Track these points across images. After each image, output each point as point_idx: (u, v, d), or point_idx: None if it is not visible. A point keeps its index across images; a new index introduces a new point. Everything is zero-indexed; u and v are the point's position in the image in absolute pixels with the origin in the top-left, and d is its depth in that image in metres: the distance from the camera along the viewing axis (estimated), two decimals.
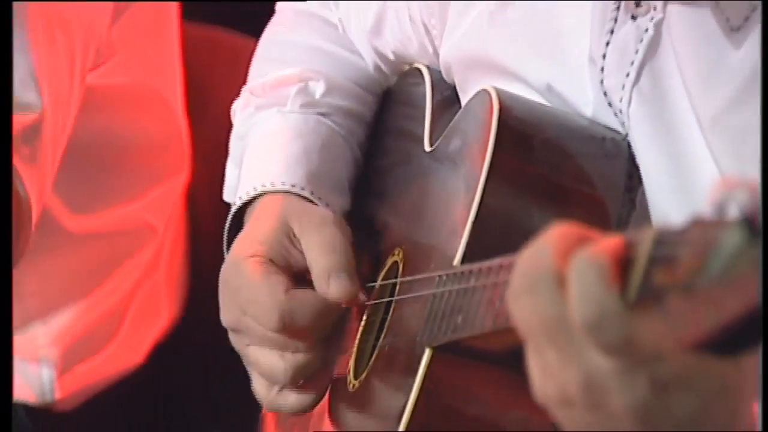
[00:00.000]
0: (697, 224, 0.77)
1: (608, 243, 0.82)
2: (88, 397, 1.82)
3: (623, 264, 0.81)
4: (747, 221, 0.73)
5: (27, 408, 1.76)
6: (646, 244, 0.80)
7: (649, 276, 0.79)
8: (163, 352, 1.74)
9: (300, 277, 1.33)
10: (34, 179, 1.61)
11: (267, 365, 1.34)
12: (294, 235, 1.35)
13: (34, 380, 1.78)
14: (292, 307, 1.29)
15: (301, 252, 1.34)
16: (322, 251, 1.33)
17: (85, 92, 1.74)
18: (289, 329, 1.29)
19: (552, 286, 0.82)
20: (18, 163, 1.60)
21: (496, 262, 1.00)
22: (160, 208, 1.84)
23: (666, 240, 0.80)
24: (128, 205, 1.83)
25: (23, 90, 1.61)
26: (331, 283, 1.30)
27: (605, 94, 1.20)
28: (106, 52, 1.78)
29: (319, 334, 1.33)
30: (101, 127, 1.79)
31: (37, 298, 1.77)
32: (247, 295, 1.34)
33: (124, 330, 1.81)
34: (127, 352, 1.81)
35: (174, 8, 1.90)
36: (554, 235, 0.85)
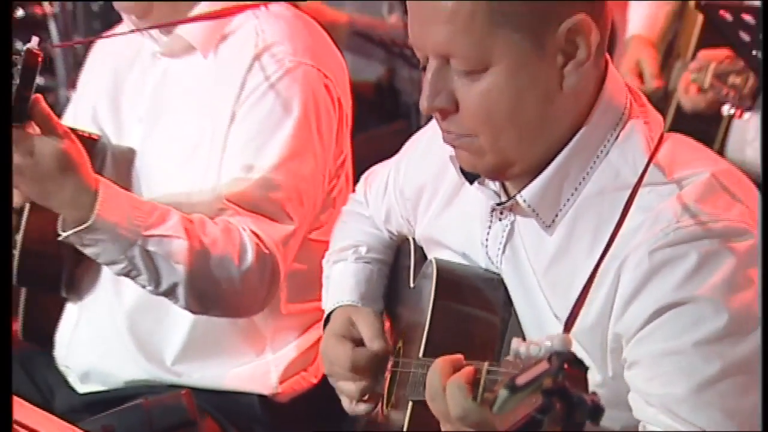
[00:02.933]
0: (507, 363, 1.21)
1: (466, 370, 1.32)
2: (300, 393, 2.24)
3: (474, 382, 1.30)
4: (512, 382, 1.08)
5: (260, 396, 2.18)
6: (483, 372, 1.28)
7: (485, 389, 1.27)
8: None
9: (359, 342, 1.85)
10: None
11: (346, 390, 1.86)
12: (353, 323, 1.87)
13: (267, 380, 2.19)
14: (356, 356, 1.83)
15: (359, 331, 1.86)
16: (369, 330, 1.85)
17: None
18: (355, 369, 1.82)
19: (440, 396, 1.33)
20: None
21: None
22: None
23: (492, 370, 1.27)
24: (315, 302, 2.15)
25: None
26: (374, 344, 1.83)
27: (489, 258, 1.66)
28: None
29: (371, 372, 1.84)
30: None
31: (267, 338, 2.19)
32: (333, 353, 1.87)
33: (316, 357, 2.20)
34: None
35: None
36: (441, 363, 1.35)
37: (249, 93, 2.04)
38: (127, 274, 1.95)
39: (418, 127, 3.06)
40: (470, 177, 1.62)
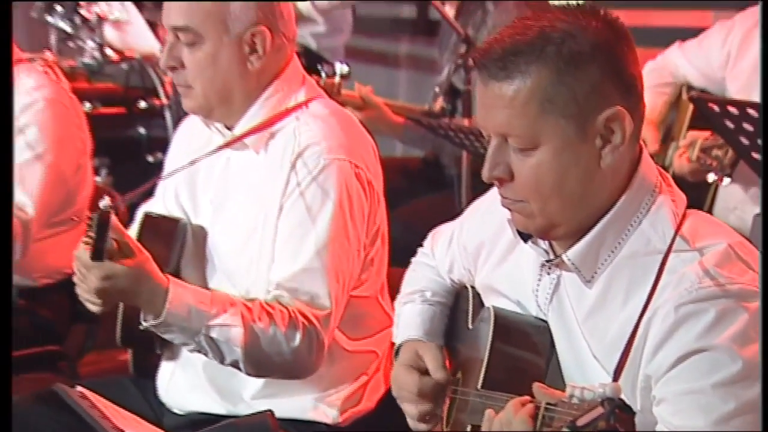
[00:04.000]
0: (563, 403, 1.26)
1: (529, 406, 1.38)
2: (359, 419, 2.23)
3: (535, 414, 1.36)
4: (573, 423, 1.12)
5: (327, 425, 2.18)
6: (542, 409, 1.34)
7: (543, 423, 1.34)
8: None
9: (424, 372, 1.84)
10: None
11: (412, 412, 1.85)
12: (420, 356, 1.86)
13: (329, 412, 2.17)
14: (422, 384, 1.82)
15: (424, 362, 1.84)
16: (433, 362, 1.84)
17: None
18: (420, 394, 1.82)
19: (508, 425, 1.39)
20: None
21: (494, 393, 1.60)
22: (384, 342, 2.23)
23: (550, 407, 1.33)
24: (371, 338, 2.24)
25: None
26: (438, 374, 1.82)
27: (538, 305, 1.66)
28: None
29: (434, 397, 1.83)
30: None
31: (327, 379, 2.16)
32: (403, 380, 1.86)
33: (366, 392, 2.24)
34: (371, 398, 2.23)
35: None
36: (515, 403, 1.41)
37: (292, 189, 2.05)
38: (197, 351, 2.00)
39: (460, 196, 3.16)
40: (524, 236, 1.63)
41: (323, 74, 3.03)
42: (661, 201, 1.56)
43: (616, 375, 1.48)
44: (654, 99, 3.08)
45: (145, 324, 1.93)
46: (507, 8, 3.36)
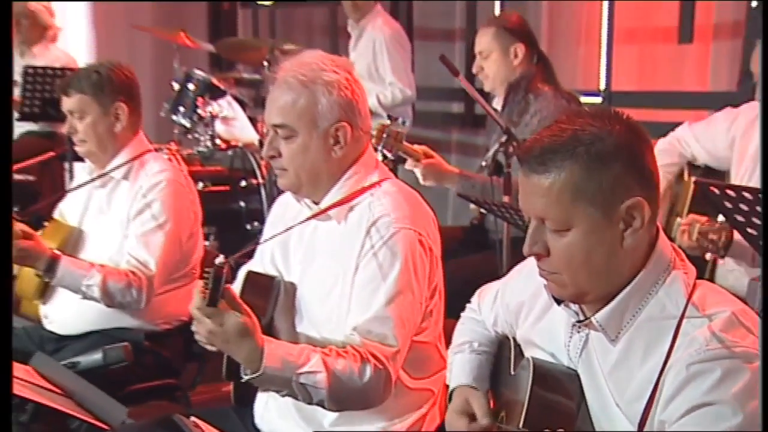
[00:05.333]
0: None
1: None
2: None
3: None
4: None
5: None
6: None
7: None
8: None
9: (472, 417, 1.81)
10: None
11: None
12: (469, 403, 1.83)
13: None
14: (470, 429, 1.79)
15: (473, 408, 1.82)
16: (480, 409, 1.82)
17: None
18: None
19: None
20: None
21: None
22: (440, 381, 2.16)
23: None
24: (429, 378, 2.18)
25: None
26: (484, 420, 1.79)
27: (570, 358, 1.63)
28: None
29: None
30: None
31: (392, 411, 2.11)
32: (455, 424, 1.83)
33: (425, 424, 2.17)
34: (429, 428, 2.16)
35: None
36: None
37: (366, 251, 2.04)
38: (289, 396, 1.98)
39: (501, 257, 3.12)
40: (557, 300, 1.61)
41: (389, 123, 3.01)
42: (675, 274, 1.53)
43: (642, 423, 1.45)
44: (661, 179, 3.04)
45: (245, 377, 1.92)
46: (546, 97, 3.33)
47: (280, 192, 2.33)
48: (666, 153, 2.98)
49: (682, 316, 1.48)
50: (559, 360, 1.66)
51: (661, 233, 1.56)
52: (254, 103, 5.20)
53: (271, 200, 4.39)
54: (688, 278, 1.54)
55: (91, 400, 1.61)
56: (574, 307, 1.60)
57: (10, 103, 1.58)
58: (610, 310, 1.53)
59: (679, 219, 2.92)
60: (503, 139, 2.98)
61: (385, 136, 2.97)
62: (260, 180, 4.66)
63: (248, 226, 4.74)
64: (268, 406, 2.19)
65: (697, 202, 2.92)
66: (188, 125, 4.66)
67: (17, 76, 4.96)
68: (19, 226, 2.66)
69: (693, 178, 2.94)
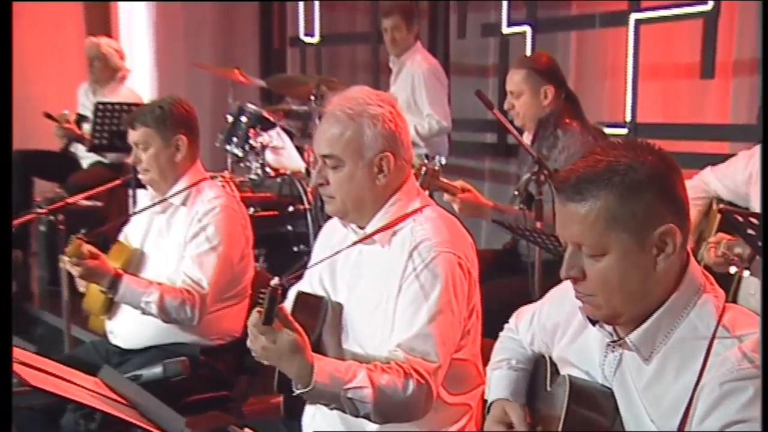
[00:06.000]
0: None
1: None
2: None
3: None
4: None
5: None
6: None
7: None
8: None
9: (510, 426, 1.81)
10: None
11: None
12: (506, 413, 1.82)
13: None
14: None
15: (510, 418, 1.81)
16: (518, 419, 1.81)
17: None
18: None
19: None
20: None
21: None
22: (476, 397, 2.14)
23: None
24: (467, 394, 2.16)
25: None
26: (521, 427, 1.78)
27: (604, 377, 1.60)
28: None
29: None
30: None
31: (432, 424, 2.07)
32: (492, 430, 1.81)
33: None
34: None
35: None
36: None
37: (409, 273, 2.03)
38: (336, 409, 1.96)
39: (533, 281, 3.09)
40: (592, 321, 1.59)
41: (427, 161, 3.02)
42: (706, 298, 1.51)
43: None
44: (690, 210, 3.01)
45: (297, 392, 1.91)
46: (574, 133, 3.31)
47: (325, 216, 2.33)
48: (692, 189, 2.95)
49: (713, 337, 1.45)
50: (594, 378, 1.63)
51: (692, 258, 1.54)
52: (301, 134, 5.23)
53: (317, 224, 4.47)
54: (718, 301, 1.51)
55: (153, 411, 1.60)
56: (609, 327, 1.57)
57: (10, 104, 1.57)
58: (644, 330, 1.51)
59: (706, 243, 2.90)
60: (535, 168, 2.96)
61: (422, 173, 2.97)
62: (306, 205, 4.68)
63: (295, 248, 4.75)
64: (315, 419, 2.18)
65: (723, 230, 2.89)
66: (240, 154, 4.69)
67: (89, 113, 5.09)
68: (86, 247, 2.70)
69: (720, 206, 2.92)
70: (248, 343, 1.89)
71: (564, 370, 1.72)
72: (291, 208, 4.74)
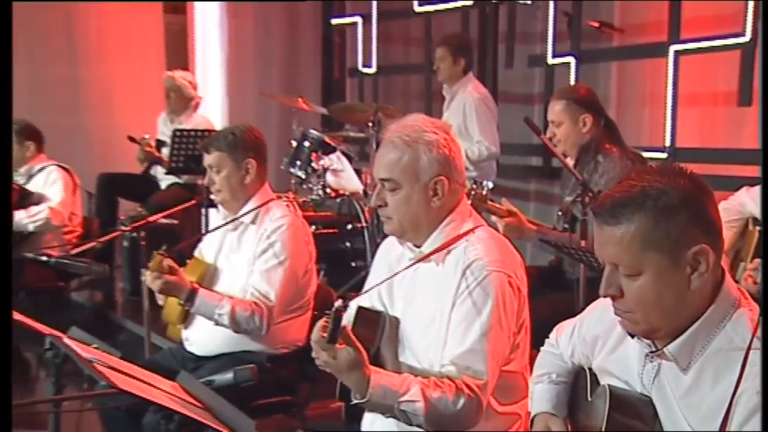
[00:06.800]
0: None
1: None
2: None
3: None
4: None
5: None
6: None
7: None
8: None
9: None
10: None
11: None
12: (548, 427, 1.81)
13: None
14: None
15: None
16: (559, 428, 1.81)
17: None
18: None
19: None
20: None
21: None
22: (525, 407, 2.03)
23: None
24: (516, 404, 2.13)
25: None
26: None
27: (643, 386, 1.58)
28: None
29: None
30: None
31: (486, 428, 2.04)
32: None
33: None
34: None
35: None
36: None
37: (462, 291, 2.02)
38: (391, 417, 1.96)
39: (578, 296, 3.05)
40: (631, 333, 1.58)
41: (475, 186, 3.02)
42: (741, 311, 1.49)
43: None
44: (725, 231, 2.96)
45: (355, 401, 1.92)
46: (613, 158, 3.28)
47: (382, 234, 2.35)
48: (727, 211, 2.92)
49: (749, 348, 1.43)
50: (633, 387, 1.62)
51: (727, 275, 1.52)
52: (359, 157, 5.27)
53: (373, 241, 4.49)
54: (752, 314, 1.49)
55: (225, 414, 1.61)
56: (647, 339, 1.56)
57: (10, 105, 1.55)
58: (682, 342, 1.49)
59: (743, 263, 2.84)
60: (579, 191, 2.94)
61: (471, 197, 2.96)
62: (363, 224, 4.70)
63: (353, 264, 4.76)
64: (374, 424, 2.18)
65: (760, 248, 2.82)
66: (304, 176, 4.74)
67: (167, 138, 5.22)
68: (166, 263, 2.76)
69: (757, 228, 2.85)
70: (313, 354, 1.90)
71: (604, 380, 1.70)
72: (349, 226, 4.77)
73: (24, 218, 4.51)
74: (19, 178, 4.65)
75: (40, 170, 4.70)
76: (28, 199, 4.55)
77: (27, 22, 6.27)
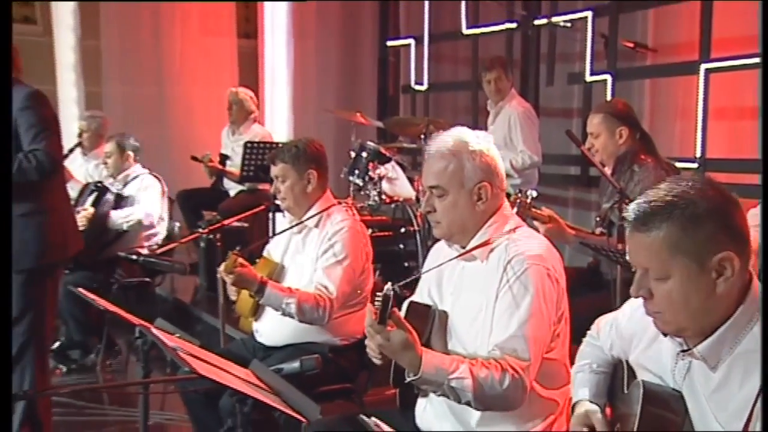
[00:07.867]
0: None
1: None
2: None
3: None
4: None
5: None
6: None
7: None
8: None
9: (592, 428, 1.71)
10: None
11: None
12: (588, 415, 1.75)
13: None
14: None
15: (592, 421, 1.74)
16: (598, 421, 1.74)
17: None
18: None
19: None
20: None
21: None
22: (566, 394, 2.07)
23: None
24: (557, 390, 2.08)
25: None
26: (600, 429, 1.73)
27: (675, 381, 1.55)
28: None
29: None
30: None
31: (527, 414, 2.04)
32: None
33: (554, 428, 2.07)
34: None
35: None
36: None
37: (504, 283, 2.01)
38: (442, 395, 1.96)
39: (615, 296, 3.00)
40: (663, 332, 1.55)
41: (520, 194, 2.98)
42: None
43: None
44: (754, 234, 2.88)
45: (408, 379, 1.93)
46: (648, 168, 3.23)
47: (432, 238, 2.35)
48: (755, 217, 2.82)
49: None
50: (666, 382, 1.59)
51: (755, 278, 1.48)
52: (412, 167, 5.27)
53: (424, 244, 4.48)
54: None
55: (293, 398, 1.64)
56: (679, 338, 1.53)
57: (10, 105, 1.51)
58: (711, 342, 1.46)
59: None
60: (617, 197, 2.89)
61: (516, 204, 2.93)
62: (416, 227, 4.70)
63: (406, 264, 4.77)
64: (426, 409, 2.18)
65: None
66: (361, 184, 4.76)
67: (230, 150, 5.33)
68: (240, 261, 2.80)
69: None
70: (366, 341, 1.91)
71: (640, 375, 1.68)
72: (403, 230, 4.78)
73: (119, 218, 4.62)
74: (116, 184, 4.78)
75: (135, 177, 4.82)
76: (123, 202, 4.66)
77: (120, 49, 6.61)
